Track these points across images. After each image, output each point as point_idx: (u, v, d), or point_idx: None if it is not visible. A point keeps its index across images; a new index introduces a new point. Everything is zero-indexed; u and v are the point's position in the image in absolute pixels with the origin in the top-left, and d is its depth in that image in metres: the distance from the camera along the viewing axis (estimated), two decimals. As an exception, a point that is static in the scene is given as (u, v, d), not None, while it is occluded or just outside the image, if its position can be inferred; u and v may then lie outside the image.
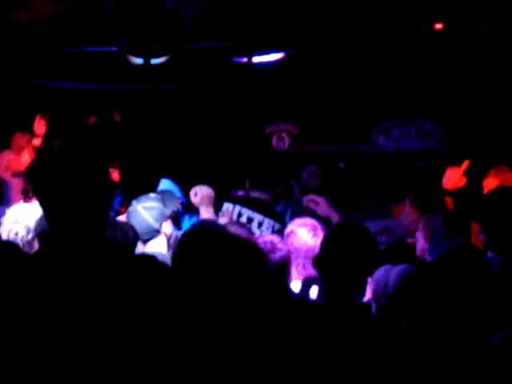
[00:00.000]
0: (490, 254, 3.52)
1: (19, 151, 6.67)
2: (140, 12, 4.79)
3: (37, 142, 6.51)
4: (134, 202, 4.09)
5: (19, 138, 6.92)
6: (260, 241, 3.71)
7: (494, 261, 3.42)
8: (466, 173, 4.72)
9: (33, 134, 6.57)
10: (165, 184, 5.45)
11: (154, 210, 4.07)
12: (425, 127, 9.05)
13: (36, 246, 3.78)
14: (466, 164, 4.96)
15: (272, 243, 3.69)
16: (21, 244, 3.79)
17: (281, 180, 7.16)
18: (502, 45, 6.52)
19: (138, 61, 4.90)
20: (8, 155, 6.93)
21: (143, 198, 4.13)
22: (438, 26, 5.74)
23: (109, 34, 5.26)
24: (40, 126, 6.49)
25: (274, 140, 9.73)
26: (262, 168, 5.25)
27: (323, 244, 3.14)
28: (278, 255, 3.66)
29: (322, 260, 3.08)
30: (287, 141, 9.70)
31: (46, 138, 6.61)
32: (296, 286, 3.89)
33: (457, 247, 3.75)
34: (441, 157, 8.69)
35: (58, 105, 7.78)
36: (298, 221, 4.21)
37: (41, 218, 3.71)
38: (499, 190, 4.21)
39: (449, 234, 4.27)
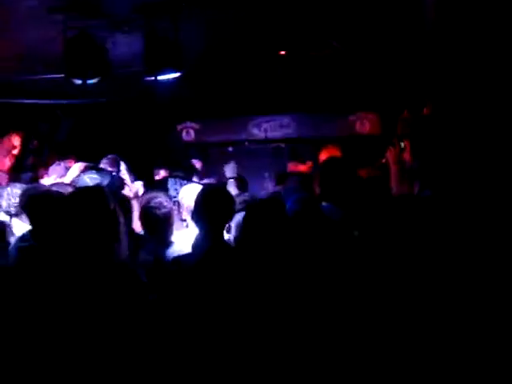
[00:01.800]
0: (324, 203, 3.55)
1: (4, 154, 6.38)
2: (77, 49, 4.73)
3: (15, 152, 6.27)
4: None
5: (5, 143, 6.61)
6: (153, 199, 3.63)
7: (326, 207, 3.48)
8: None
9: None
10: None
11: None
12: (283, 121, 9.21)
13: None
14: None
15: (160, 202, 3.61)
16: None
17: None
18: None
19: (78, 81, 4.83)
20: None
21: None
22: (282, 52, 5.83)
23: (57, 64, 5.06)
24: (16, 140, 6.25)
25: (184, 134, 9.69)
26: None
27: (195, 202, 3.12)
28: (162, 212, 3.57)
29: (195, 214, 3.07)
30: (192, 134, 9.67)
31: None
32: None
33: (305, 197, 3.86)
34: (295, 141, 8.94)
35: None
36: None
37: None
38: (328, 160, 4.35)
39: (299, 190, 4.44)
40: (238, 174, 6.66)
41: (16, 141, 6.23)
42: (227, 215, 3.10)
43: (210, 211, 3.00)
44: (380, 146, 6.39)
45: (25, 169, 6.59)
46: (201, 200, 3.09)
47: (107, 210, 2.42)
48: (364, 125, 8.82)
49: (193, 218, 3.14)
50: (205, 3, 4.54)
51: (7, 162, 6.15)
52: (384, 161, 4.47)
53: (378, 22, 5.19)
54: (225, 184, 5.96)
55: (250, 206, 3.18)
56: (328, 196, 3.55)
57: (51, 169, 5.91)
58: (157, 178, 7.12)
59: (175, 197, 4.98)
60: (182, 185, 5.09)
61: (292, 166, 6.92)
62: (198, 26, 5.05)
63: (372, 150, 7.25)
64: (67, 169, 5.59)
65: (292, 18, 5.00)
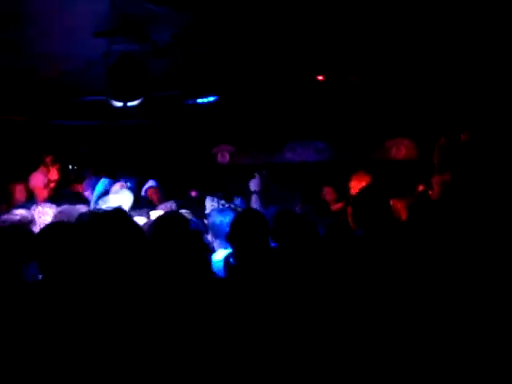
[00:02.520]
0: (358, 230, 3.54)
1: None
2: (119, 71, 4.82)
3: (52, 185, 5.92)
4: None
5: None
6: None
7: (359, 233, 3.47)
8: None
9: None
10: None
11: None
12: (318, 146, 9.23)
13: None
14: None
15: None
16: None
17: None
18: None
19: (119, 103, 4.89)
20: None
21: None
22: (320, 77, 5.84)
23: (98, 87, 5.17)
24: (54, 175, 5.94)
25: (218, 156, 9.78)
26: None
27: (231, 225, 3.16)
28: None
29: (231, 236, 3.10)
30: (227, 157, 9.76)
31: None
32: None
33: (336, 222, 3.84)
34: (329, 165, 8.92)
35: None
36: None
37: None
38: (361, 190, 4.23)
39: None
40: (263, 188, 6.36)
41: (54, 175, 6.09)
42: (261, 238, 3.12)
43: (244, 235, 3.04)
44: (416, 171, 6.34)
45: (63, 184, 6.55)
46: (236, 224, 3.13)
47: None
48: (400, 150, 8.77)
49: (227, 239, 3.17)
50: (243, 28, 4.61)
51: (45, 194, 6.02)
52: (422, 188, 4.42)
53: (414, 47, 5.19)
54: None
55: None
56: (361, 225, 3.47)
57: (85, 183, 6.01)
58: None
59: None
60: (219, 204, 5.05)
61: (327, 192, 6.88)
62: (236, 49, 5.12)
63: (408, 176, 7.22)
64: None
65: (331, 43, 5.03)
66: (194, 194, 7.01)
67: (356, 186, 5.35)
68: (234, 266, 3.13)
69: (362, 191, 3.82)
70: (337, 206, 6.48)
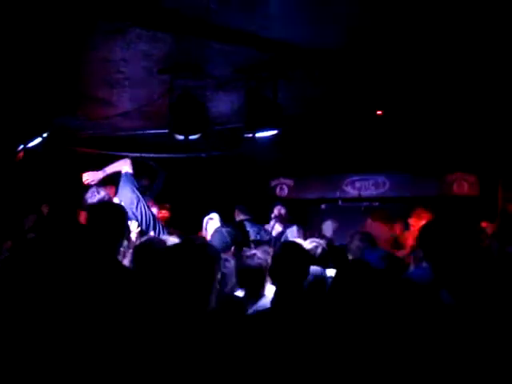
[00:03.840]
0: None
1: None
2: (181, 108, 4.96)
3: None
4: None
5: None
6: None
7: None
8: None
9: None
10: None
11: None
12: (377, 180, 9.15)
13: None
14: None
15: (254, 253, 3.60)
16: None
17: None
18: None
19: (181, 137, 5.03)
20: None
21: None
22: (379, 112, 5.81)
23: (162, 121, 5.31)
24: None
25: (277, 190, 9.80)
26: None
27: (273, 258, 3.12)
28: (255, 262, 3.54)
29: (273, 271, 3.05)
30: (286, 190, 9.77)
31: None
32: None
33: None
34: (389, 200, 8.79)
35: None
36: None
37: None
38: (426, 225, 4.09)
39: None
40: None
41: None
42: (303, 273, 3.07)
43: (284, 269, 2.98)
44: (479, 208, 6.16)
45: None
46: (277, 257, 3.09)
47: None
48: (462, 186, 8.56)
49: (270, 274, 3.15)
50: (302, 64, 4.65)
51: None
52: (485, 225, 4.28)
53: (474, 81, 5.11)
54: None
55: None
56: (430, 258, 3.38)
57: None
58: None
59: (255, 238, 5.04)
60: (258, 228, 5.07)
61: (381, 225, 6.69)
62: (295, 84, 5.17)
63: (470, 212, 7.02)
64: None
65: (390, 78, 5.01)
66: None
67: (416, 223, 5.28)
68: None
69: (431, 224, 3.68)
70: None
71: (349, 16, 3.68)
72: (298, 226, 5.91)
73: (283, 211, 6.75)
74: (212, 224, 5.43)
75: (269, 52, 4.32)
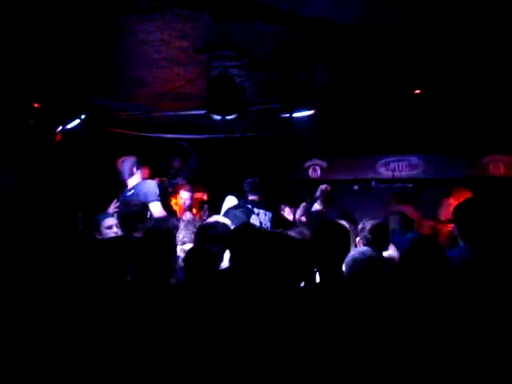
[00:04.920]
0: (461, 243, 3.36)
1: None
2: (218, 88, 4.95)
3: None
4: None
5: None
6: None
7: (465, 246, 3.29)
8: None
9: None
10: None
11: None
12: (412, 161, 9.02)
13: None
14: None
15: None
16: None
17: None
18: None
19: (218, 117, 5.05)
20: None
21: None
22: (417, 91, 5.71)
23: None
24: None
25: (310, 171, 9.76)
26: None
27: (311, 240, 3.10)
28: None
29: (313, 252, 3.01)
30: (319, 172, 9.72)
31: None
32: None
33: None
34: (423, 182, 8.67)
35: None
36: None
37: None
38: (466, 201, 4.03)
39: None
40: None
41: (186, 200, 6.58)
42: (344, 251, 3.06)
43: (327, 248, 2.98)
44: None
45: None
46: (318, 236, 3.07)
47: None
48: (498, 167, 8.38)
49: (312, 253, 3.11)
50: (340, 44, 4.58)
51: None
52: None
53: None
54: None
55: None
56: (468, 237, 3.31)
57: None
58: (282, 213, 7.08)
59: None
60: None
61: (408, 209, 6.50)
62: (331, 64, 5.10)
63: (507, 193, 6.89)
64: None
65: (429, 57, 4.91)
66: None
67: (456, 202, 5.16)
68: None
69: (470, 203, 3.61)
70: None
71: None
72: (335, 208, 5.86)
73: (330, 189, 6.64)
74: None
75: (307, 31, 4.25)
